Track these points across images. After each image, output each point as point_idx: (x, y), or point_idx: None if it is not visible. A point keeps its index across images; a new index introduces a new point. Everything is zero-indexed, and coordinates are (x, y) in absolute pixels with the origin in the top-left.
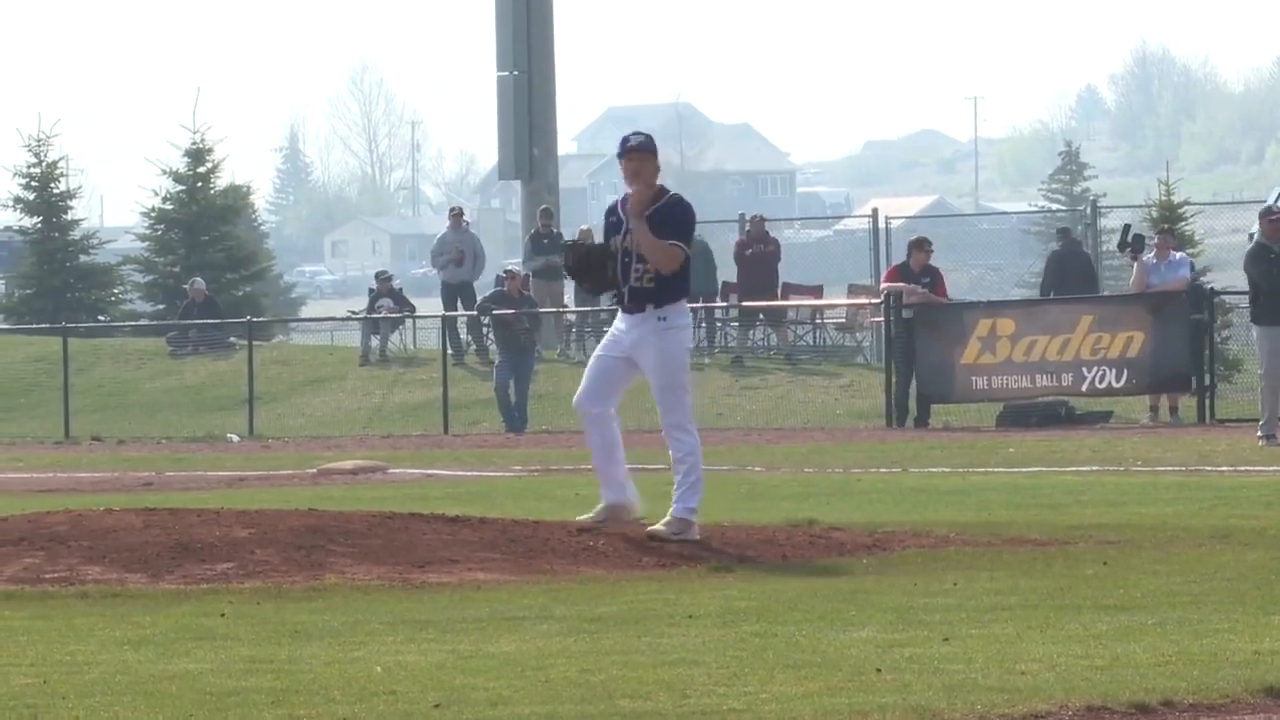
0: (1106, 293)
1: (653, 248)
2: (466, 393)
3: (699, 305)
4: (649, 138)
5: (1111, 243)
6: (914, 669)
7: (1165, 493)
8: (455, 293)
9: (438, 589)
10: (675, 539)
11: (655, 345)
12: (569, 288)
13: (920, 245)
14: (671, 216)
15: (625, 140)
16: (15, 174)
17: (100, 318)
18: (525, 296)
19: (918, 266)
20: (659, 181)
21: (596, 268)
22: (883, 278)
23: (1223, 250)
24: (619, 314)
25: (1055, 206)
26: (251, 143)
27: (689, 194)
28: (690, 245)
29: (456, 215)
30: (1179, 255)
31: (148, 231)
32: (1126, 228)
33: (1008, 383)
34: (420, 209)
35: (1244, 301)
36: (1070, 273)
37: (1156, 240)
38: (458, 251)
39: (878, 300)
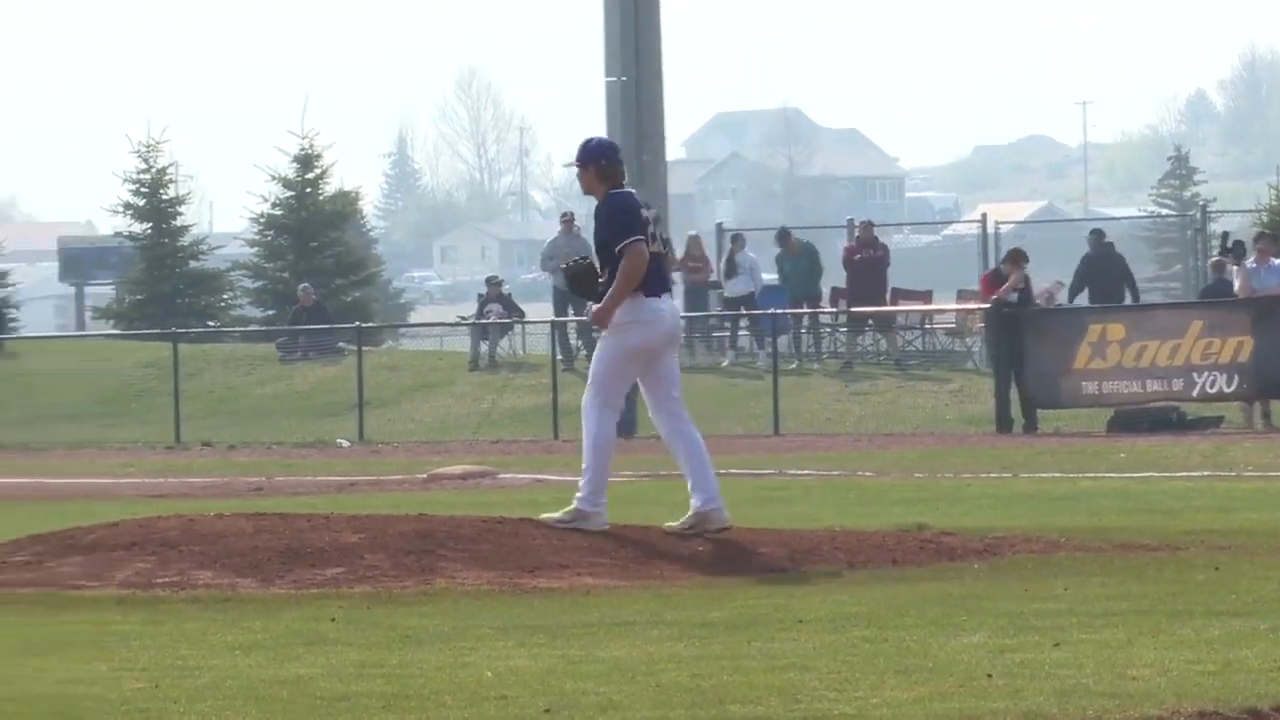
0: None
1: (619, 290)
2: (576, 397)
3: (803, 310)
4: (581, 146)
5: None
6: (1025, 674)
7: (1277, 498)
8: (566, 298)
9: (548, 594)
10: (564, 525)
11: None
12: (679, 293)
13: (1015, 259)
14: (602, 221)
15: None
16: (125, 180)
17: (210, 323)
18: None
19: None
20: (619, 185)
21: (586, 283)
22: (980, 284)
23: None
24: None
25: (1165, 212)
26: (360, 148)
27: (797, 198)
28: (635, 228)
29: (568, 220)
30: (1278, 261)
31: (257, 237)
32: (1225, 235)
33: (1118, 388)
34: (529, 214)
35: None
36: (1102, 275)
37: (1258, 246)
38: (567, 256)
39: (987, 305)
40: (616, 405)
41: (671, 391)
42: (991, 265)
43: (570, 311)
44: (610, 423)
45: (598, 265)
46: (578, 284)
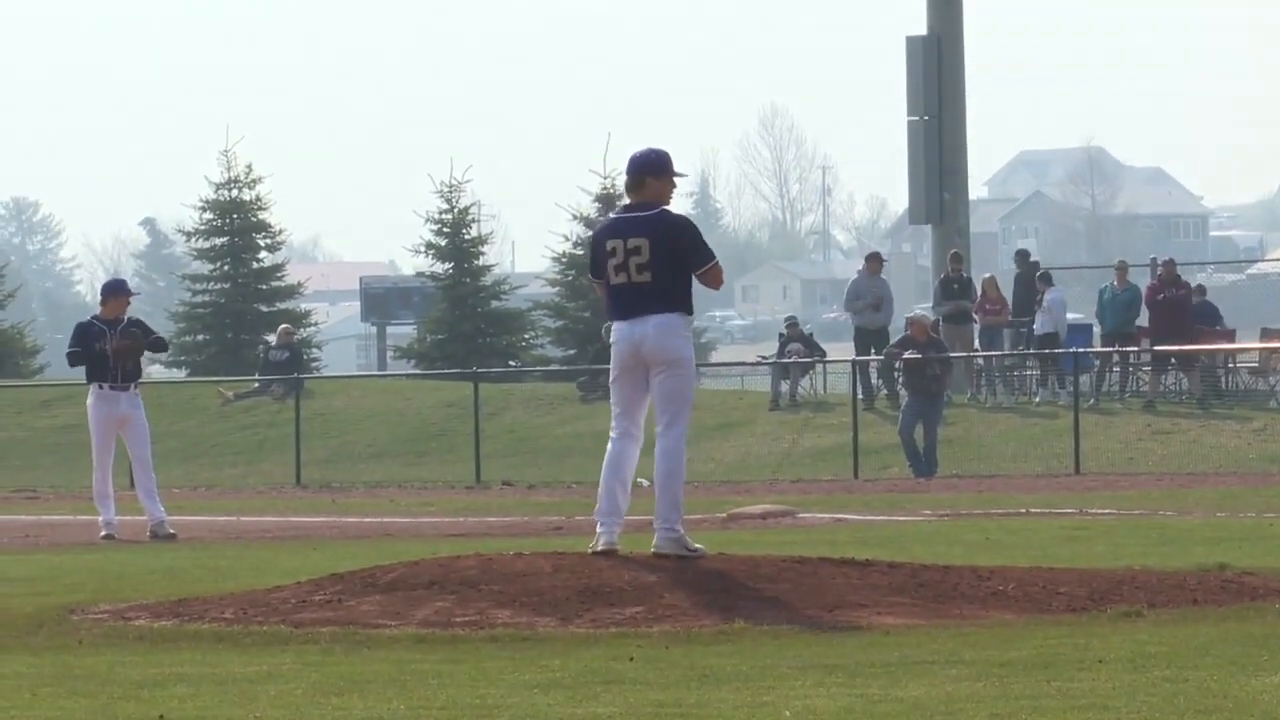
0: None
1: None
2: (876, 437)
3: (1101, 350)
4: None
5: None
6: None
7: None
8: (867, 337)
9: (846, 633)
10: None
11: None
12: (978, 332)
13: None
14: None
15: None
16: (427, 220)
17: (511, 363)
18: (934, 340)
19: None
20: (631, 203)
21: None
22: None
23: None
24: None
25: None
26: None
27: (1099, 237)
28: (592, 264)
29: (874, 261)
30: None
31: (558, 276)
32: None
33: None
34: (831, 253)
35: None
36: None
37: None
38: (875, 297)
39: None
40: (620, 427)
41: (659, 413)
42: None
43: (871, 351)
44: (611, 444)
45: None
46: None
